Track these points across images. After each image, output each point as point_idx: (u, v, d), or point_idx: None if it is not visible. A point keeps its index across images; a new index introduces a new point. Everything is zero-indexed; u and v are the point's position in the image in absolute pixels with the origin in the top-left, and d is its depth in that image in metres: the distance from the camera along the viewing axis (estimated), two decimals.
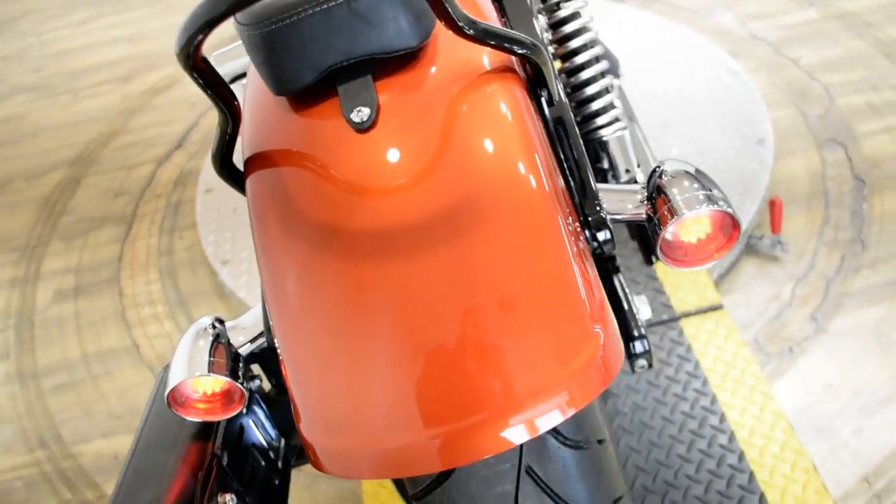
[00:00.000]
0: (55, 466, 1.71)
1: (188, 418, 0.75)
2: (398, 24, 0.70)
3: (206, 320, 0.80)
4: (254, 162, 0.75)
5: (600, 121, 1.18)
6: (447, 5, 0.63)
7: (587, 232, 0.77)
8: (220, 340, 0.77)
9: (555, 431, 0.76)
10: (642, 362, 1.07)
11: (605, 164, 1.17)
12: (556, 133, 0.84)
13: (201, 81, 0.65)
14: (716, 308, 1.61)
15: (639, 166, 1.20)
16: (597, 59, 1.18)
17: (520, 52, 0.72)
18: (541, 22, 1.13)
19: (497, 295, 0.63)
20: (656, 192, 0.74)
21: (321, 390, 0.66)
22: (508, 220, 0.65)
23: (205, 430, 0.79)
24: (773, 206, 1.75)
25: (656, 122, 2.01)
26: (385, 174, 0.68)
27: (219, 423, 0.81)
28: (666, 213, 0.71)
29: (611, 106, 1.19)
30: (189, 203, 2.26)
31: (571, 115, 0.86)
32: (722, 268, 1.77)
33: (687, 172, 0.75)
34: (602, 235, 0.77)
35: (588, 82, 1.16)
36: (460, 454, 0.63)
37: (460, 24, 0.64)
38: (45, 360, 1.92)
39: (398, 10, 0.69)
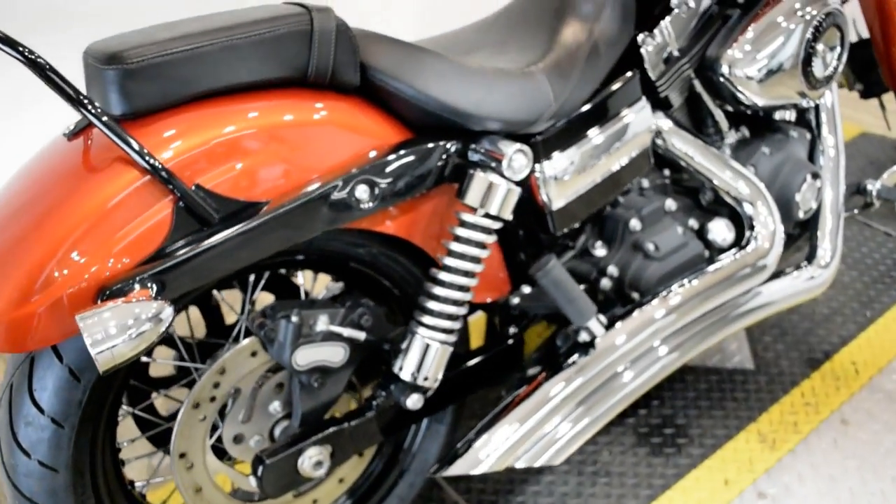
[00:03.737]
0: None
1: None
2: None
3: None
4: None
5: (426, 319, 1.21)
6: None
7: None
8: None
9: (31, 386, 1.07)
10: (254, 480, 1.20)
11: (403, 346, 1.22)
12: None
13: None
14: None
15: (421, 376, 1.21)
16: (466, 274, 1.20)
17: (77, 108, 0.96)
18: None
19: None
20: None
21: None
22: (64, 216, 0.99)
23: None
24: None
25: None
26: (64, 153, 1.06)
27: None
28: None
29: (447, 317, 1.21)
30: None
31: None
32: None
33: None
34: None
35: (441, 284, 1.20)
36: None
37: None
38: None
39: None
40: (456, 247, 1.20)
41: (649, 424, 1.77)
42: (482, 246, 1.21)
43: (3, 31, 0.93)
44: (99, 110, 0.97)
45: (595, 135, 1.35)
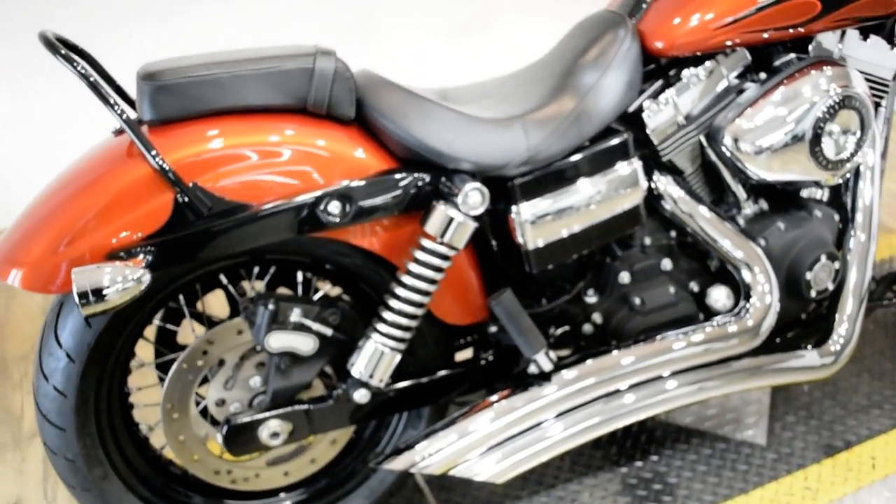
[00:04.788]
0: None
1: None
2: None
3: None
4: None
5: (380, 326, 1.38)
6: None
7: None
8: None
9: (56, 324, 1.35)
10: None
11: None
12: None
13: None
14: None
15: (367, 374, 1.38)
16: (419, 292, 1.36)
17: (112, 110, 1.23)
18: None
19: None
20: None
21: None
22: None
23: None
24: None
25: None
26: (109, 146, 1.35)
27: None
28: None
29: (398, 327, 1.37)
30: None
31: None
32: None
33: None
34: None
35: (397, 298, 1.37)
36: None
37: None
38: None
39: None
40: (413, 267, 1.36)
41: (640, 476, 1.81)
42: (437, 269, 1.36)
43: (66, 50, 1.23)
44: (125, 115, 1.24)
45: (574, 186, 1.46)
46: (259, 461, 1.54)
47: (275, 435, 1.42)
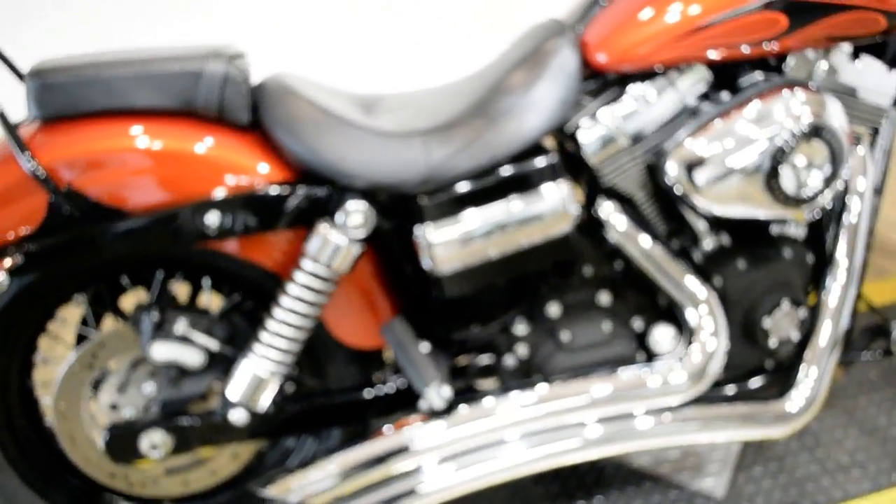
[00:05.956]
0: None
1: None
2: None
3: None
4: None
5: (257, 348, 1.31)
6: None
7: None
8: None
9: None
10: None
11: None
12: None
13: None
14: None
15: (240, 396, 1.31)
16: (297, 314, 1.28)
17: None
18: None
19: None
20: None
21: None
22: None
23: None
24: None
25: None
26: None
27: None
28: None
29: (277, 350, 1.30)
30: None
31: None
32: None
33: None
34: None
35: (273, 319, 1.30)
36: None
37: None
38: None
39: None
40: (292, 289, 1.28)
41: None
42: (318, 293, 1.28)
43: None
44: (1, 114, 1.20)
45: (487, 209, 1.33)
46: (157, 468, 1.51)
47: (154, 447, 1.38)
